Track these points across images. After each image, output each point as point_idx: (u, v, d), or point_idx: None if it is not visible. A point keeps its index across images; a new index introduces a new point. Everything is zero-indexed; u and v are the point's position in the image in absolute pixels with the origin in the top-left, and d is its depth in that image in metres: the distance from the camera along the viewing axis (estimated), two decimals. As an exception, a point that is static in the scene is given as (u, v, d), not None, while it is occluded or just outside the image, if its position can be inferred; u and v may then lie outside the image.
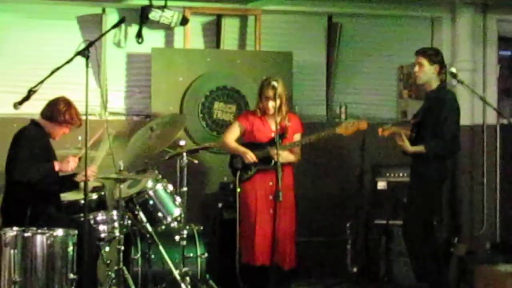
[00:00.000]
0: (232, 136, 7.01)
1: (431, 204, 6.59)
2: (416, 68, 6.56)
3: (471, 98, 8.04)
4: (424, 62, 6.50)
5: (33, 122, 6.30)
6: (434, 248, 6.60)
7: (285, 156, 6.77)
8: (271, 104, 6.76)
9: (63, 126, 6.30)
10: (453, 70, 6.42)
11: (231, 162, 7.01)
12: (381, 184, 7.69)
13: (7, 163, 6.16)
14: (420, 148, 6.40)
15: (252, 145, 6.89)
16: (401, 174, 7.62)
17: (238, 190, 6.84)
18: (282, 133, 6.78)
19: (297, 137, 6.97)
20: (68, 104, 6.31)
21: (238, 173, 6.85)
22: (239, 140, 7.02)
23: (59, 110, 6.26)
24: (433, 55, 6.55)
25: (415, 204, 6.58)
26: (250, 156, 6.80)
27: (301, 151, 7.00)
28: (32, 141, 6.16)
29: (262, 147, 6.83)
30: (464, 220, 8.34)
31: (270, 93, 6.71)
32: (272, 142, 6.73)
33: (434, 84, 6.54)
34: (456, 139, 6.49)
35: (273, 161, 6.69)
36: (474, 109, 8.44)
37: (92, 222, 6.30)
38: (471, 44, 8.49)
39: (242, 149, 6.89)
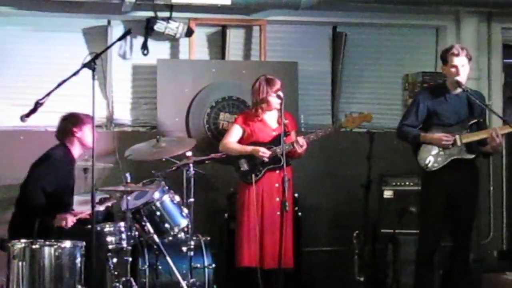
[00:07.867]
0: (233, 139, 6.97)
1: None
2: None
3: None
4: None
5: None
6: None
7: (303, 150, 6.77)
8: (278, 100, 6.71)
9: None
10: (458, 78, 6.40)
11: (237, 166, 6.95)
12: (388, 193, 7.69)
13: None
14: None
15: (255, 146, 6.86)
16: (407, 183, 7.62)
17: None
18: (285, 131, 6.69)
19: (293, 134, 6.96)
20: None
21: (248, 176, 6.81)
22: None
23: None
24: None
25: (472, 207, 6.55)
26: (263, 152, 6.75)
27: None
28: None
29: (266, 147, 6.81)
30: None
31: (279, 90, 6.74)
32: (275, 141, 6.74)
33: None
34: None
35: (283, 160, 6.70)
36: (479, 117, 8.44)
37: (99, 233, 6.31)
38: (476, 53, 8.44)
39: (250, 148, 6.84)
